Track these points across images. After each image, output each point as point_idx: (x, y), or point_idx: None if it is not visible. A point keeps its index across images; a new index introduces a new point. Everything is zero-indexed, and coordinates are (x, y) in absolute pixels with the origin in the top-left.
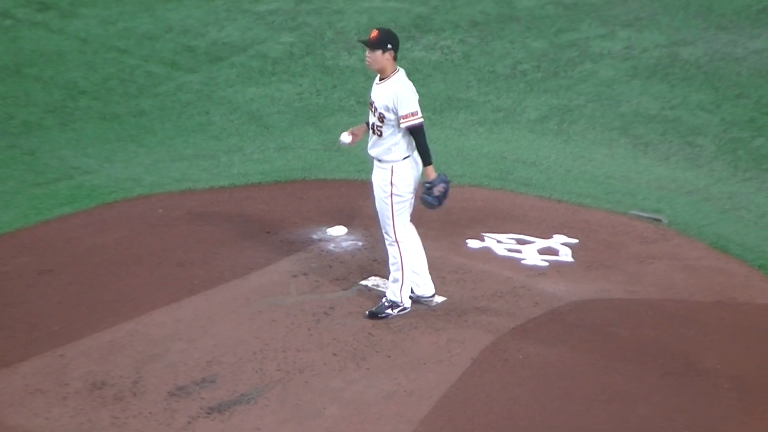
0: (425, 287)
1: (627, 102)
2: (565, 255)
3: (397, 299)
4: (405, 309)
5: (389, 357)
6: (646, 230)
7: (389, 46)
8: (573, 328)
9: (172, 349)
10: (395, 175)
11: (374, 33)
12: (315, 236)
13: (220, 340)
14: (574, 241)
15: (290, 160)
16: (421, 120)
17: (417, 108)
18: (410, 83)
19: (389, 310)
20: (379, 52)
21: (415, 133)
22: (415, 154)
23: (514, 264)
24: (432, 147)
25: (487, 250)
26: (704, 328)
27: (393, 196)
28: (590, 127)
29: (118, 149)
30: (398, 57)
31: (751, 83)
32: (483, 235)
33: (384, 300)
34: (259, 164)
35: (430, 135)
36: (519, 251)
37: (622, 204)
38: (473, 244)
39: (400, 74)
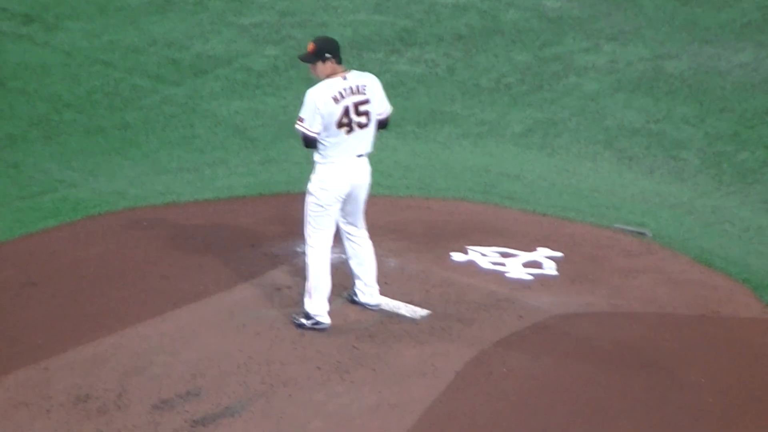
0: (370, 296)
1: (611, 116)
2: (550, 268)
3: (309, 311)
4: (319, 324)
5: (373, 370)
6: (631, 244)
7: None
8: (557, 342)
9: (156, 362)
10: (315, 174)
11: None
12: (299, 249)
13: (204, 354)
14: (559, 254)
15: (274, 173)
16: (300, 128)
17: (303, 115)
18: (319, 92)
19: (303, 320)
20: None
21: None
22: (346, 165)
23: (498, 277)
24: (416, 160)
25: (472, 264)
26: (688, 341)
27: (309, 195)
28: (574, 141)
29: (103, 162)
30: (383, 70)
31: (735, 97)
32: (467, 249)
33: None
34: (243, 177)
35: (415, 148)
36: (503, 264)
37: (607, 217)
38: (457, 257)
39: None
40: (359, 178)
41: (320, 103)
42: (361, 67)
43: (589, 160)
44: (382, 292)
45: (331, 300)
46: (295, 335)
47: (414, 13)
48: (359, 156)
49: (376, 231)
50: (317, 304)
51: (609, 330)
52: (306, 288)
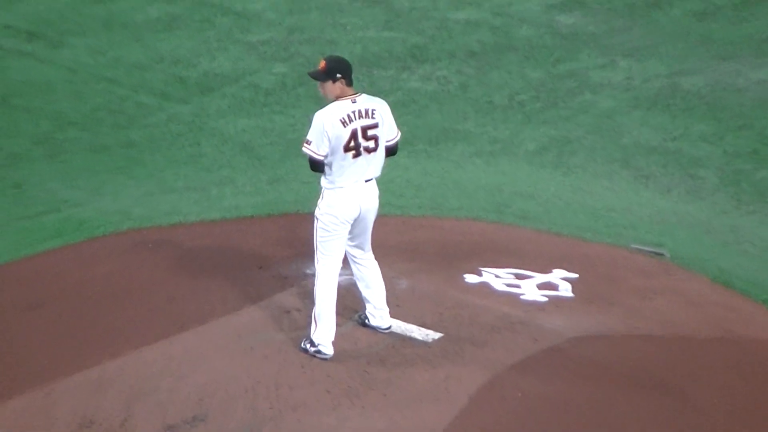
0: (380, 319)
1: (627, 133)
2: (565, 290)
3: (313, 338)
4: (321, 353)
5: (384, 394)
6: (648, 264)
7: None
8: (572, 365)
9: (162, 386)
10: (322, 199)
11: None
12: (309, 271)
13: (211, 377)
14: (574, 275)
15: (283, 193)
16: (307, 151)
17: (310, 138)
18: (327, 114)
19: (308, 345)
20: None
21: None
22: (354, 190)
23: (512, 299)
24: (428, 179)
25: (485, 285)
26: (706, 364)
27: (316, 221)
28: (590, 159)
29: (107, 181)
30: (393, 88)
31: (754, 114)
32: (481, 270)
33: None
34: (251, 197)
35: (427, 167)
36: (518, 286)
37: (623, 237)
38: (471, 278)
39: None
40: (367, 202)
41: (328, 126)
42: (372, 85)
43: (605, 178)
44: (394, 315)
45: (340, 323)
46: (303, 358)
47: (425, 30)
48: (367, 181)
49: (387, 251)
50: (321, 332)
51: (625, 352)
52: (312, 314)
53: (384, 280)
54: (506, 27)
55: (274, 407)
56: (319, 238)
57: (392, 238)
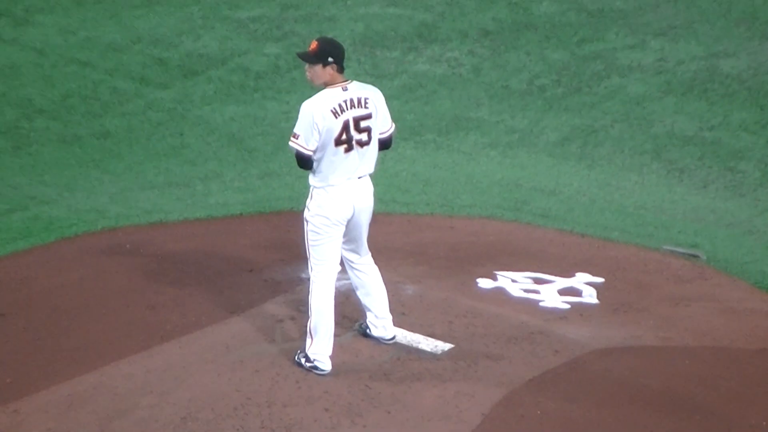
0: (383, 329)
1: (660, 122)
2: (590, 296)
3: (308, 353)
4: (317, 369)
5: (389, 413)
6: (682, 268)
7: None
8: (598, 380)
9: (142, 404)
10: (312, 200)
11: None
12: (303, 275)
13: (196, 394)
14: (600, 280)
15: (275, 189)
16: (295, 146)
17: (298, 131)
18: (316, 104)
19: (302, 359)
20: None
21: None
22: (346, 188)
23: (531, 306)
24: (438, 173)
25: (501, 291)
26: (748, 379)
27: (306, 224)
28: (618, 151)
29: (80, 176)
30: (399, 70)
31: None
32: (496, 274)
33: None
34: (240, 193)
35: (436, 159)
36: (537, 292)
37: (655, 238)
38: (484, 283)
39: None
40: (361, 201)
41: (318, 117)
42: (375, 68)
43: (635, 172)
44: (399, 324)
45: (338, 333)
46: (298, 373)
47: (434, 6)
48: (360, 177)
49: (391, 254)
50: (317, 346)
51: (657, 367)
52: (307, 326)
53: (388, 285)
54: (525, 2)
55: (266, 427)
56: (310, 243)
57: (397, 239)
